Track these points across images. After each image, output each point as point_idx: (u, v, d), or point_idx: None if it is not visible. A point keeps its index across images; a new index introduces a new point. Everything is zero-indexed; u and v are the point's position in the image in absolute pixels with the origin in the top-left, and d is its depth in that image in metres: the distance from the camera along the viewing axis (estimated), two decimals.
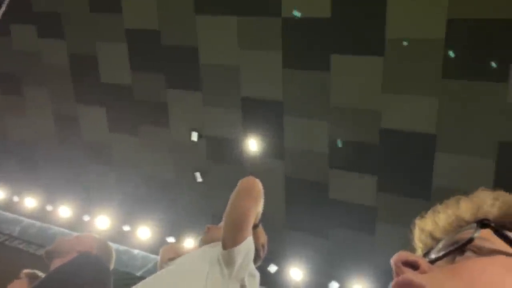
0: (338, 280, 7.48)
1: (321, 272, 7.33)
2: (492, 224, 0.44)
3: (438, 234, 0.51)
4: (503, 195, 0.48)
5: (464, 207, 0.50)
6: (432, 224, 0.53)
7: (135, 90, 6.70)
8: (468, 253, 0.43)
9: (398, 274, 0.43)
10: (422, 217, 0.53)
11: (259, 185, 2.15)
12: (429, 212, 0.53)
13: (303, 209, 6.89)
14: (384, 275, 6.90)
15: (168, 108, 6.58)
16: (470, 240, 0.42)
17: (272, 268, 7.53)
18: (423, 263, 0.43)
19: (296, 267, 7.52)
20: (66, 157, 7.28)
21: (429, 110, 5.13)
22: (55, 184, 7.46)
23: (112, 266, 2.39)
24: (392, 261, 0.44)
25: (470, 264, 0.41)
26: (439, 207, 0.53)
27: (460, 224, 0.48)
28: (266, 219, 7.22)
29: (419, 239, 0.54)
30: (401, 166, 5.72)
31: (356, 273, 7.15)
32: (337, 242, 7.06)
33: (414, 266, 0.43)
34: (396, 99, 5.29)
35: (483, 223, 0.44)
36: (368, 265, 6.91)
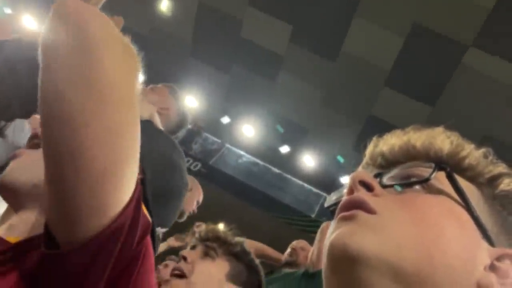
0: (230, 115, 7.84)
1: (215, 104, 7.56)
2: (448, 170, 0.46)
3: (389, 155, 0.51)
4: (455, 136, 0.50)
5: (419, 137, 0.50)
6: (387, 145, 0.52)
7: None
8: (417, 187, 0.45)
9: (351, 190, 0.45)
10: (380, 136, 0.54)
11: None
12: (387, 134, 0.53)
13: (211, 41, 6.68)
14: (275, 120, 7.40)
15: None
16: (426, 180, 0.44)
17: None
18: (378, 187, 0.45)
19: (192, 95, 7.62)
20: None
21: None
22: None
23: None
24: (350, 177, 0.46)
25: (419, 201, 0.43)
26: (397, 131, 0.53)
27: (411, 152, 0.50)
28: (171, 43, 6.87)
29: (370, 154, 0.53)
30: (318, 22, 5.64)
31: (249, 113, 7.53)
32: (238, 80, 7.16)
33: (368, 187, 0.45)
34: None
35: (440, 166, 0.46)
36: (262, 107, 7.27)
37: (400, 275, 0.38)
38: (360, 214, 0.42)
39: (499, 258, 0.42)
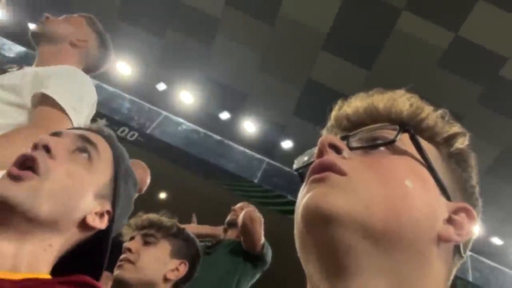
0: (166, 82, 7.56)
1: (150, 71, 7.23)
2: (412, 131, 0.48)
3: (354, 118, 0.53)
4: (415, 98, 0.52)
5: (381, 100, 0.52)
6: (351, 107, 0.53)
7: None
8: (382, 149, 0.47)
9: (321, 153, 0.46)
10: (344, 99, 0.55)
11: None
12: (351, 97, 0.55)
13: (142, 2, 6.31)
14: (213, 86, 7.24)
15: None
16: (392, 141, 0.47)
17: None
18: (346, 150, 0.47)
19: (124, 61, 7.21)
20: None
21: None
22: None
23: None
24: (320, 140, 0.47)
25: (385, 162, 0.46)
26: (360, 94, 0.54)
27: (374, 114, 0.52)
28: (97, 4, 6.40)
29: (335, 116, 0.55)
30: None
31: (186, 79, 7.29)
32: (173, 45, 6.86)
33: (337, 150, 0.47)
34: None
35: (405, 129, 0.48)
36: (199, 73, 7.07)
37: (370, 231, 0.41)
38: (332, 176, 0.44)
39: (455, 212, 0.46)
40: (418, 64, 5.33)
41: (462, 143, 0.51)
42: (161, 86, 7.30)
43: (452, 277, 0.47)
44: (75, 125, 1.18)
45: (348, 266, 0.41)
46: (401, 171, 0.45)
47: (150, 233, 1.33)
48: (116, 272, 1.27)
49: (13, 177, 0.64)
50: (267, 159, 7.14)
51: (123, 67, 7.19)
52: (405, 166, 0.46)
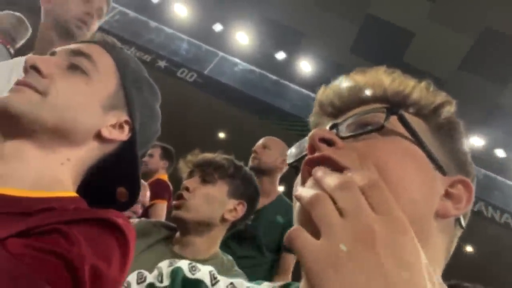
0: (223, 22, 7.49)
1: (207, 11, 7.15)
2: (400, 113, 0.47)
3: (339, 103, 0.52)
4: (397, 73, 0.51)
5: (363, 80, 0.52)
6: (335, 92, 0.53)
7: None
8: (373, 134, 0.47)
9: (312, 149, 0.45)
10: (324, 87, 0.54)
11: None
12: (331, 83, 0.54)
13: None
14: (269, 25, 7.11)
15: None
16: (382, 127, 0.46)
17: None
18: (339, 141, 0.46)
19: (181, 3, 7.23)
20: None
21: None
22: None
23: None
24: (309, 136, 0.46)
25: (378, 147, 0.45)
26: (340, 78, 0.54)
27: (359, 96, 0.51)
28: None
29: (319, 103, 0.54)
30: None
31: (242, 19, 7.18)
32: None
33: (329, 143, 0.46)
34: None
35: (392, 111, 0.47)
36: (255, 13, 6.91)
37: None
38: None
39: (451, 185, 0.46)
40: None
41: (449, 111, 0.50)
42: (218, 27, 7.31)
43: (453, 248, 0.48)
44: None
45: None
46: (395, 155, 0.45)
47: (209, 171, 1.31)
48: (173, 211, 1.27)
49: (12, 90, 0.62)
50: None
51: (180, 9, 7.25)
52: (398, 148, 0.46)
